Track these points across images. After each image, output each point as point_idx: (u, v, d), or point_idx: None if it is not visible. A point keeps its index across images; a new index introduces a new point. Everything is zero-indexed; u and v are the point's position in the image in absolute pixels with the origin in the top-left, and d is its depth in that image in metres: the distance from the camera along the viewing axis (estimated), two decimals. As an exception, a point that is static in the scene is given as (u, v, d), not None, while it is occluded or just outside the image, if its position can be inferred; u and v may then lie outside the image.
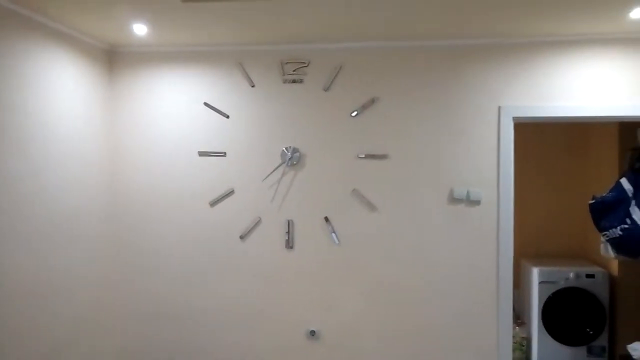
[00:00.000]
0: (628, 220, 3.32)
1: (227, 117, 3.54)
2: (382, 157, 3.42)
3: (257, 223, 3.54)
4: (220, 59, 3.53)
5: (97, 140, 3.48)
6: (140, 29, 3.16)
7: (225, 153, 3.55)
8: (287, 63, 3.48)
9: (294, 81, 3.49)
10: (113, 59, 3.62)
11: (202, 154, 3.57)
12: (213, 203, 3.56)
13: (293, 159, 3.49)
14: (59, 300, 3.11)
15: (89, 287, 3.40)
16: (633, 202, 3.36)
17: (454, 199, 3.36)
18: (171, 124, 3.59)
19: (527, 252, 4.97)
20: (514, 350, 4.43)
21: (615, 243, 3.45)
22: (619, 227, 3.36)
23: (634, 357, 3.82)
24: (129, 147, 3.64)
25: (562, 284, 4.39)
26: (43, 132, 2.97)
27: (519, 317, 4.82)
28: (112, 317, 3.64)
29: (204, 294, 3.59)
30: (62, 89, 3.13)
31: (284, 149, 3.50)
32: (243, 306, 3.57)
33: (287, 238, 3.52)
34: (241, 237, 3.55)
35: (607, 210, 3.46)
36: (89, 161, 3.40)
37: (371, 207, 3.44)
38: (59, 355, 3.12)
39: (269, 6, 2.75)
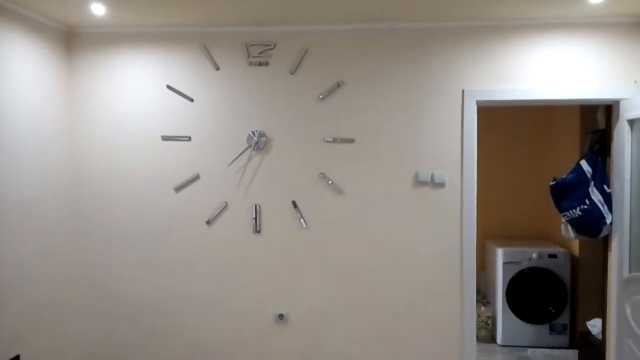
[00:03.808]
0: (587, 201, 3.40)
1: (192, 100, 3.48)
2: (349, 140, 3.42)
3: (224, 208, 3.50)
4: (183, 40, 3.45)
5: (55, 125, 3.37)
6: (98, 9, 3.06)
7: (189, 137, 3.49)
8: (252, 45, 3.43)
9: (259, 64, 3.44)
10: (71, 41, 3.50)
11: (165, 138, 3.50)
12: (178, 188, 3.51)
13: (259, 143, 3.45)
14: (12, 295, 3.00)
15: (46, 280, 3.31)
16: (592, 183, 3.44)
17: (419, 182, 3.39)
18: (133, 108, 3.50)
19: (492, 233, 5.08)
20: (479, 329, 4.55)
21: (575, 223, 3.53)
22: (578, 208, 3.44)
23: (593, 333, 3.97)
24: (89, 131, 3.54)
25: (525, 264, 4.51)
26: (-4, 116, 2.86)
27: (485, 297, 4.94)
28: (75, 304, 3.57)
29: (170, 280, 3.55)
30: (16, 72, 3.01)
31: (250, 132, 3.46)
32: (210, 291, 3.54)
33: (254, 223, 3.50)
34: (208, 223, 3.51)
35: (567, 192, 3.53)
36: (47, 147, 3.29)
37: (338, 190, 3.45)
38: (12, 350, 3.01)
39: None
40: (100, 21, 3.30)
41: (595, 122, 3.74)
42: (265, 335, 3.53)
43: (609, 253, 3.42)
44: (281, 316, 3.50)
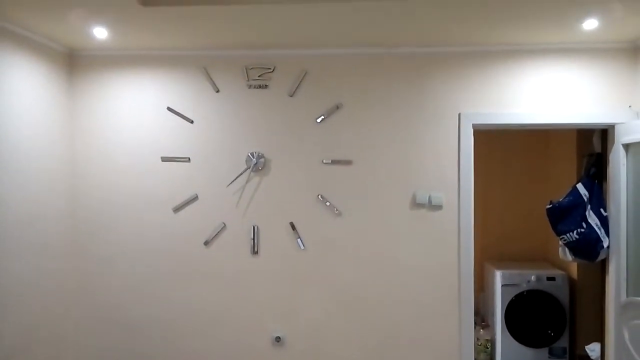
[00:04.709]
0: (584, 225, 3.41)
1: (192, 122, 3.51)
2: (347, 162, 3.45)
3: (222, 229, 3.51)
4: (184, 63, 3.50)
5: (56, 146, 3.39)
6: (100, 33, 3.11)
7: (189, 158, 3.52)
8: (252, 68, 3.48)
9: (259, 86, 3.49)
10: (73, 63, 3.55)
11: (165, 159, 3.52)
12: (177, 209, 3.52)
13: (258, 165, 3.48)
14: (11, 307, 3.01)
15: (45, 294, 3.30)
16: (589, 206, 3.45)
17: (416, 204, 3.40)
18: (133, 129, 3.54)
19: (491, 256, 5.07)
20: (478, 352, 4.51)
21: (572, 247, 3.54)
22: (575, 231, 3.44)
23: (592, 357, 3.93)
24: (90, 152, 3.56)
25: (524, 287, 4.48)
26: (-2, 137, 2.89)
27: (484, 320, 4.90)
28: (72, 324, 3.55)
29: (168, 301, 3.54)
30: (19, 93, 3.04)
31: (249, 154, 3.49)
32: (208, 312, 3.53)
33: (252, 244, 3.50)
34: (205, 243, 3.52)
35: (564, 215, 3.54)
36: (48, 167, 3.31)
37: (336, 212, 3.46)
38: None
39: (231, 11, 2.74)
40: (103, 44, 3.35)
41: (591, 145, 3.77)
42: (262, 357, 3.50)
43: (606, 277, 3.42)
44: (278, 339, 3.48)
